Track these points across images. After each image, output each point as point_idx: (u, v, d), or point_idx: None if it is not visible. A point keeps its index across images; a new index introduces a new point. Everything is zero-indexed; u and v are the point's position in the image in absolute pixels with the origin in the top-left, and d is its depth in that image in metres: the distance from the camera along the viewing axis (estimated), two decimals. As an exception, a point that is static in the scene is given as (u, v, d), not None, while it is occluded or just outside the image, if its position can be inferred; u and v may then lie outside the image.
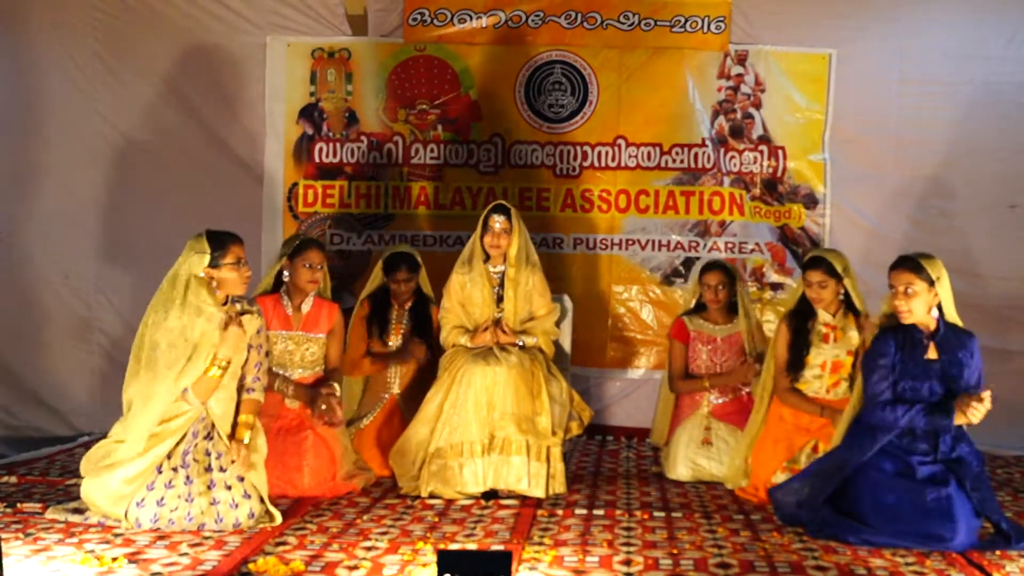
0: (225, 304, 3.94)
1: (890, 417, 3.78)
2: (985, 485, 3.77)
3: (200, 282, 3.87)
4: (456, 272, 4.79)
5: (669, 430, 5.13)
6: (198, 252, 3.88)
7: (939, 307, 3.83)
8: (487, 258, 4.76)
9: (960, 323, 3.90)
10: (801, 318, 4.57)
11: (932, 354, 3.82)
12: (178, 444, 3.86)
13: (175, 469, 3.83)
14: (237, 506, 3.81)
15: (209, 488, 3.81)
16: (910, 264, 3.81)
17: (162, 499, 3.78)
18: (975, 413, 3.69)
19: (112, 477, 3.81)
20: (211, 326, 3.85)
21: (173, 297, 3.87)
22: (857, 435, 3.90)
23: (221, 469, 3.86)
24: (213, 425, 3.92)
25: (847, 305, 4.56)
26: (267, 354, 4.05)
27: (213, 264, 3.88)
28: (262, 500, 3.90)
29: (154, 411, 3.82)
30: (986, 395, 3.69)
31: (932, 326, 3.83)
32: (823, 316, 4.55)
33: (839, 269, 4.49)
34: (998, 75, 5.97)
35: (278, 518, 3.88)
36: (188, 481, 3.81)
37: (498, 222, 4.68)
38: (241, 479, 3.87)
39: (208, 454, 3.88)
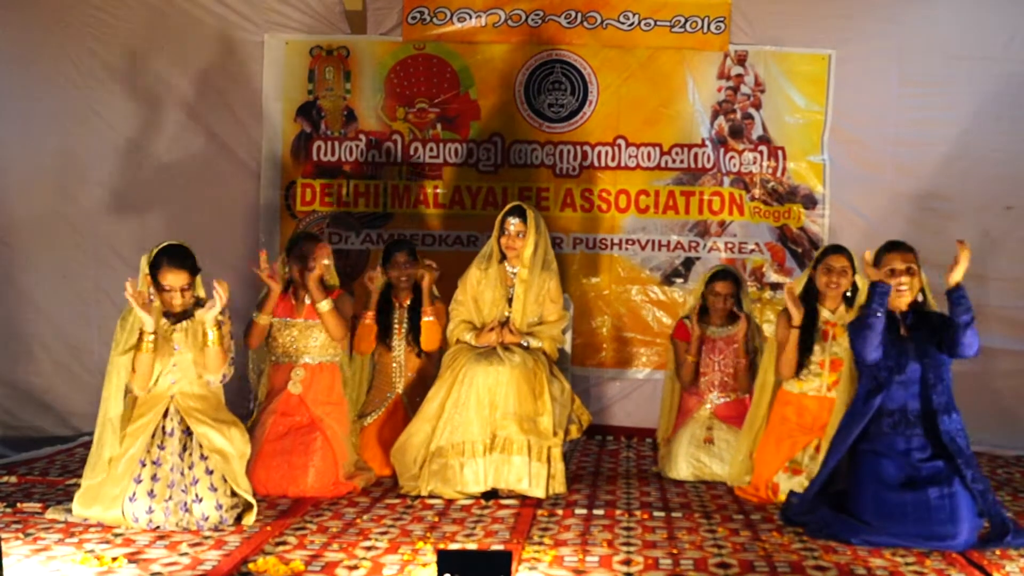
0: (195, 301, 4.05)
1: (853, 336, 3.90)
2: (980, 474, 3.78)
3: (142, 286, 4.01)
4: (475, 266, 4.80)
5: (672, 429, 5.14)
6: (145, 260, 4.01)
7: (923, 291, 3.98)
8: (503, 258, 4.76)
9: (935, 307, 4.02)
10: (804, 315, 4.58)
11: (904, 332, 3.94)
12: (153, 436, 3.92)
13: (156, 462, 3.87)
14: (201, 500, 3.83)
15: (171, 486, 3.84)
16: (907, 246, 3.97)
17: (152, 491, 3.82)
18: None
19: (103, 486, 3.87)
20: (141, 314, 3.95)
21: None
22: (849, 413, 4.01)
23: (191, 465, 3.89)
24: (182, 420, 3.96)
25: (848, 303, 4.58)
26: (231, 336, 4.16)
27: (151, 275, 4.00)
28: (234, 493, 3.91)
29: (114, 398, 3.93)
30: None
31: (904, 307, 3.96)
32: (823, 313, 4.57)
33: (856, 263, 4.58)
34: (997, 75, 5.97)
35: (254, 508, 3.90)
36: (172, 470, 3.86)
37: (513, 224, 4.66)
38: (210, 472, 3.88)
39: (183, 450, 3.92)
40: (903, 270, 3.92)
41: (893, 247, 3.98)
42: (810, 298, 4.60)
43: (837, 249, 4.64)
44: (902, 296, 3.93)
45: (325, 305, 4.54)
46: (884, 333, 3.92)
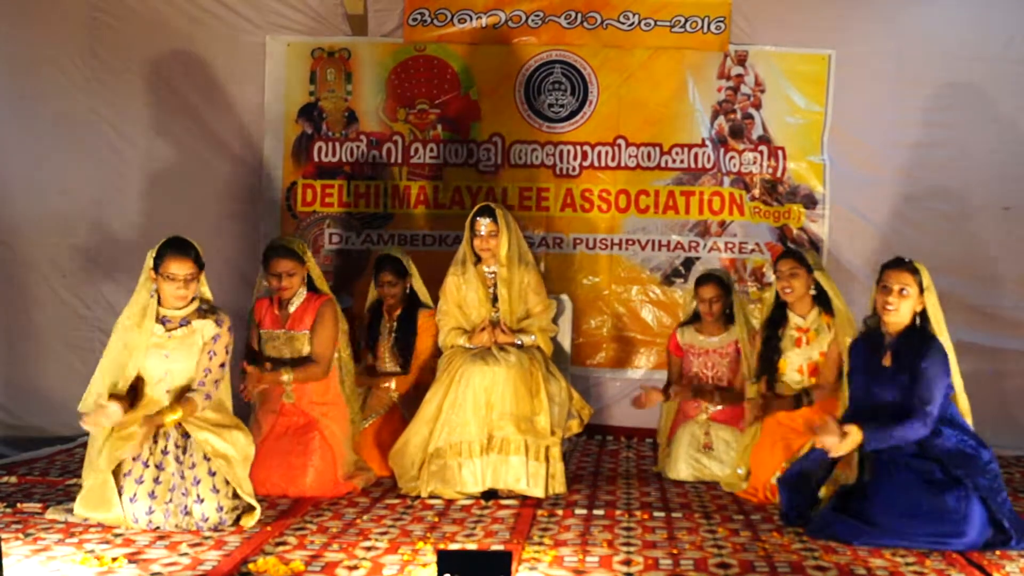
0: (197, 307, 4.01)
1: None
2: (989, 480, 3.76)
3: (145, 284, 4.00)
4: (451, 274, 4.79)
5: (670, 431, 5.14)
6: (150, 255, 3.99)
7: (922, 315, 3.84)
8: (478, 260, 4.75)
9: (945, 334, 3.85)
10: (773, 326, 4.62)
11: (887, 361, 3.85)
12: (156, 441, 3.91)
13: (159, 466, 3.88)
14: (203, 501, 3.83)
15: (172, 489, 3.85)
16: (908, 266, 3.84)
17: (153, 492, 3.83)
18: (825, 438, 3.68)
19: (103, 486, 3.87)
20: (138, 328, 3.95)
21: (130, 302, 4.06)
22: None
23: (192, 465, 3.89)
24: (180, 424, 3.94)
25: (820, 305, 4.60)
26: (222, 366, 4.02)
27: (155, 268, 3.96)
28: (236, 496, 3.91)
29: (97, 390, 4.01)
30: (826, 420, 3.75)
31: (896, 331, 3.84)
32: (794, 320, 4.60)
33: (810, 261, 4.57)
34: (997, 76, 5.96)
35: (256, 510, 3.89)
36: (173, 474, 3.87)
37: (483, 225, 4.66)
38: (212, 474, 3.88)
39: (183, 453, 3.91)
40: (895, 291, 3.80)
41: (892, 264, 3.87)
42: (781, 306, 4.63)
43: (785, 254, 4.69)
44: (889, 315, 3.82)
45: (286, 377, 4.46)
46: (870, 360, 3.88)
